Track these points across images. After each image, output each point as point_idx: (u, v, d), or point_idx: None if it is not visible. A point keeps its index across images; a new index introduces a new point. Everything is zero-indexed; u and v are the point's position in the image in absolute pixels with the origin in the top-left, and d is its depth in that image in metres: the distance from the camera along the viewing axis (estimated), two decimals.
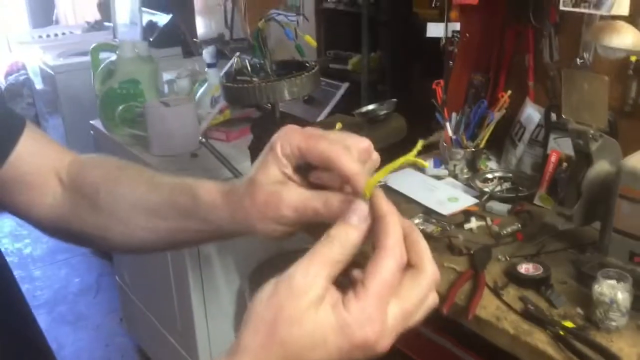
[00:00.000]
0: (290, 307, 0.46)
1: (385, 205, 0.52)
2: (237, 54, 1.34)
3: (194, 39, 3.39)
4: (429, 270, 0.52)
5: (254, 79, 1.28)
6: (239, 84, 1.28)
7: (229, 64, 1.29)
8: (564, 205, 1.36)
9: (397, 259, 0.49)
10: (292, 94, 1.29)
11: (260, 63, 1.36)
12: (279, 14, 1.41)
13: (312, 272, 0.48)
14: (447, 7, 1.80)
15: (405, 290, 0.50)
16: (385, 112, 1.54)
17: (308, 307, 0.47)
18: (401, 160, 0.55)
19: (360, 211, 0.52)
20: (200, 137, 1.43)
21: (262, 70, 1.34)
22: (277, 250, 2.17)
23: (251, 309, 0.48)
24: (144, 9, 3.46)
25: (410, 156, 0.56)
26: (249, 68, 1.32)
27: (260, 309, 0.48)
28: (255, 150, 1.40)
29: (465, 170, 1.73)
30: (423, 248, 0.52)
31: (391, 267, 0.49)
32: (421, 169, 1.76)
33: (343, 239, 0.50)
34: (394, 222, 0.51)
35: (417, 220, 1.49)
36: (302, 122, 1.42)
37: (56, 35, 4.15)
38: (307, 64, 1.36)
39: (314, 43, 1.36)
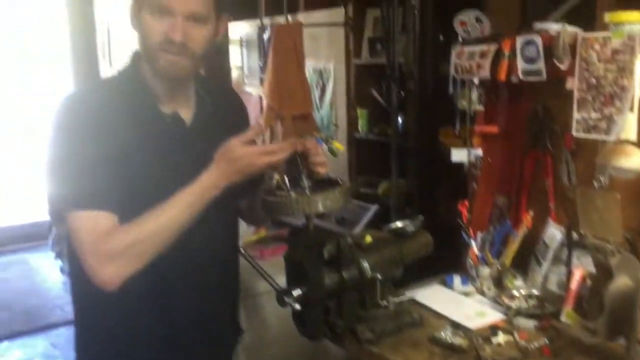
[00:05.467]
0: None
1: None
2: (276, 174, 1.48)
3: None
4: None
5: (291, 193, 1.40)
6: (278, 197, 1.40)
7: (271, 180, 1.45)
8: (588, 318, 1.39)
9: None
10: (326, 206, 1.40)
11: (298, 180, 1.49)
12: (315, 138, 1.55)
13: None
14: (470, 134, 1.95)
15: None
16: (412, 228, 1.64)
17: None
18: None
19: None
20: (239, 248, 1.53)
21: (299, 186, 1.47)
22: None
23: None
24: None
25: None
26: (287, 184, 1.45)
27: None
28: (290, 260, 1.49)
29: (492, 288, 1.77)
30: None
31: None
32: (448, 285, 1.81)
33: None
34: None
35: (445, 333, 1.52)
36: (336, 234, 1.52)
37: None
38: (339, 181, 1.49)
39: (341, 147, 1.52)
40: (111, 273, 1.24)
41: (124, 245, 1.24)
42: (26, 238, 5.31)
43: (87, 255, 1.25)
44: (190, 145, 1.38)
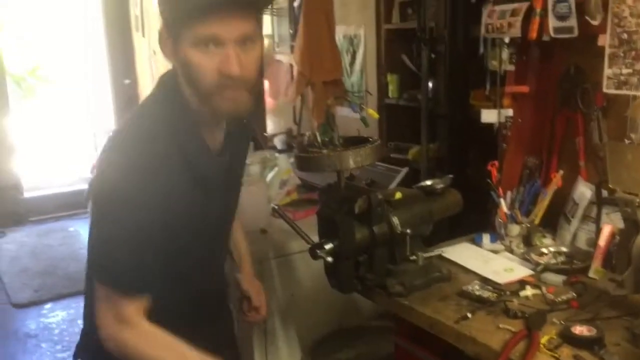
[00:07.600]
0: None
1: None
2: (309, 133, 1.52)
3: (264, 134, 3.67)
4: None
5: (323, 150, 1.45)
6: (310, 154, 1.45)
7: (304, 138, 1.49)
8: (616, 273, 1.41)
9: None
10: (357, 162, 1.44)
11: (329, 139, 1.53)
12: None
13: None
14: (500, 95, 1.96)
15: None
16: (442, 186, 1.66)
17: None
18: None
19: None
20: (272, 205, 1.59)
21: (331, 143, 1.51)
22: (337, 326, 2.25)
23: None
24: None
25: None
26: (320, 141, 1.49)
27: None
28: (322, 216, 1.54)
29: (520, 246, 1.80)
30: None
31: None
32: (477, 243, 1.84)
33: None
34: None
35: (473, 287, 1.56)
36: (366, 190, 1.56)
37: None
38: (370, 139, 1.52)
39: (375, 115, 1.53)
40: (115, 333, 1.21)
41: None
42: (67, 206, 5.49)
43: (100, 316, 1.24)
44: (225, 175, 1.30)
